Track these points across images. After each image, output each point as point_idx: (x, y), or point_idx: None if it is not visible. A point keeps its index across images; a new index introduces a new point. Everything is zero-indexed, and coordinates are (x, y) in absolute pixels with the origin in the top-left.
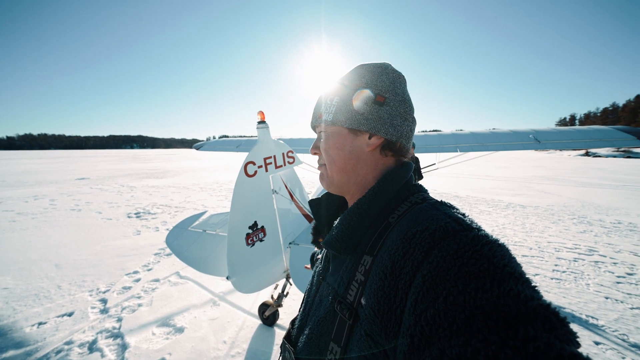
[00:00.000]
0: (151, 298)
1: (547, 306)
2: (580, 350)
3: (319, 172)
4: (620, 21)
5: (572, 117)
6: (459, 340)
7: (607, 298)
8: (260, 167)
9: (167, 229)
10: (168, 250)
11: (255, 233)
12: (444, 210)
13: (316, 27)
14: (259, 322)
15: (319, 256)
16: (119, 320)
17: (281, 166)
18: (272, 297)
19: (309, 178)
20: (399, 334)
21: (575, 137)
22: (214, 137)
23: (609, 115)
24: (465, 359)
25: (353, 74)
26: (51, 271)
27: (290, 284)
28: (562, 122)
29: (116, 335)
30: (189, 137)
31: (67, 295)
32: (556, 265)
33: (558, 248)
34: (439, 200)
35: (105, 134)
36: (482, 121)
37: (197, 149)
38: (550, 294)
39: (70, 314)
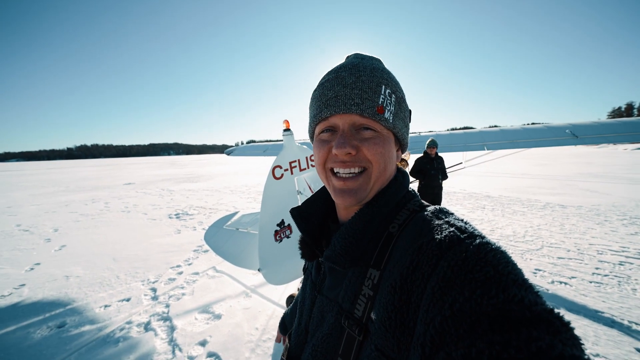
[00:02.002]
0: (193, 288)
1: (551, 311)
2: (585, 356)
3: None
4: None
5: (630, 106)
6: (464, 343)
7: None
8: (286, 170)
9: (204, 229)
10: (205, 247)
11: (283, 230)
12: (446, 219)
13: (337, 29)
14: None
15: (306, 266)
16: (167, 306)
17: (305, 169)
18: (297, 290)
19: None
20: (411, 346)
21: (619, 130)
22: (242, 143)
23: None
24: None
25: (383, 68)
26: (110, 263)
27: None
28: (617, 113)
29: (165, 318)
30: (219, 143)
31: (124, 284)
32: (597, 268)
33: (601, 251)
34: (438, 207)
35: (146, 142)
36: (519, 118)
37: (228, 155)
38: (588, 297)
39: (128, 300)
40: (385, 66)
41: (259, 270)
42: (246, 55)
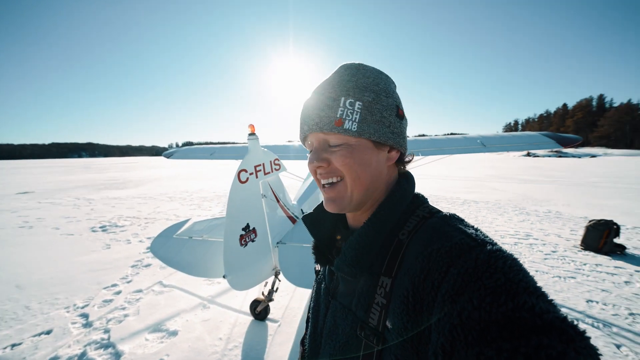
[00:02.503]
0: (137, 308)
1: (564, 319)
2: None
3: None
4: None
5: (516, 122)
6: (473, 351)
7: (536, 271)
8: (251, 174)
9: (141, 241)
10: (146, 261)
11: (248, 234)
12: (456, 225)
13: (283, 29)
14: (251, 318)
15: (318, 268)
16: (107, 331)
17: (269, 173)
18: (262, 294)
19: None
20: (429, 354)
21: (512, 142)
22: (177, 144)
23: (544, 121)
24: None
25: (364, 75)
26: (13, 293)
27: (279, 280)
28: (508, 127)
29: (106, 345)
30: (147, 144)
31: (40, 315)
32: None
33: (503, 235)
34: (448, 213)
35: (46, 141)
36: (440, 127)
37: (168, 157)
38: None
39: (48, 332)
40: (365, 70)
41: (224, 277)
42: (179, 54)
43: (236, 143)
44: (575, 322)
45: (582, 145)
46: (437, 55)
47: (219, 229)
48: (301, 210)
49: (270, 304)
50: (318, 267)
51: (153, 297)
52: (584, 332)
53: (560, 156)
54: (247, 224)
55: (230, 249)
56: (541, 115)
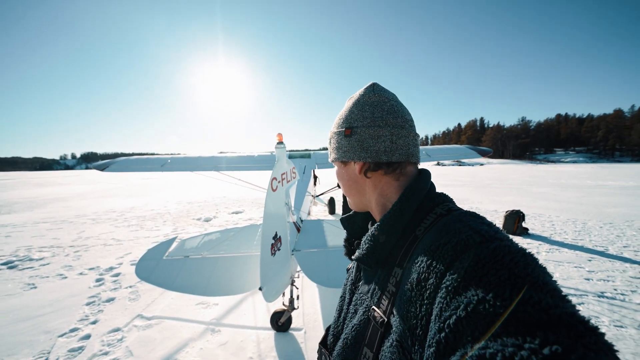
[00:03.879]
0: (126, 349)
1: (573, 314)
2: None
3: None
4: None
5: (426, 137)
6: (478, 344)
7: None
8: (279, 182)
9: (82, 274)
10: (106, 295)
11: (276, 243)
12: (468, 222)
13: (210, 31)
14: (272, 332)
15: (350, 266)
16: None
17: (290, 181)
18: (283, 304)
19: (233, 197)
20: (425, 342)
21: (449, 152)
22: (72, 155)
23: (446, 137)
24: None
25: (338, 117)
26: None
27: (297, 288)
28: (421, 142)
29: None
30: (27, 155)
31: None
32: None
33: None
34: (465, 210)
35: None
36: None
37: (101, 170)
38: None
39: None
40: (343, 109)
41: (260, 289)
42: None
43: (157, 154)
44: (587, 318)
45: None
46: (349, 68)
47: (220, 244)
48: (300, 218)
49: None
50: (350, 265)
51: (141, 334)
52: (596, 328)
53: (460, 165)
54: (276, 232)
55: (266, 259)
56: (444, 132)
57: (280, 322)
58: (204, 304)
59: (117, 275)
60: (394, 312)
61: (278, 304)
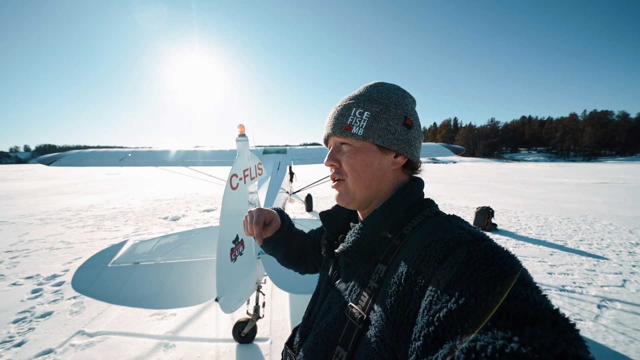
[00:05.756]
0: None
1: (556, 311)
2: (590, 355)
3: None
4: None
5: None
6: (468, 337)
7: None
8: (240, 179)
9: (15, 284)
10: (40, 310)
11: (237, 247)
12: (457, 223)
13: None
14: (235, 344)
15: (324, 265)
16: None
17: (254, 178)
18: (247, 313)
19: (206, 194)
20: (410, 336)
21: (428, 150)
22: (25, 148)
23: (425, 133)
24: (474, 354)
25: (378, 90)
26: None
27: (264, 294)
28: None
29: None
30: None
31: None
32: None
33: None
34: (451, 214)
35: None
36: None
37: (47, 164)
38: None
39: None
40: (381, 86)
41: (216, 300)
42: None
43: (120, 148)
44: (567, 315)
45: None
46: (325, 61)
47: (177, 248)
48: None
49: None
50: (327, 262)
51: (78, 354)
52: (574, 324)
53: (435, 162)
54: (237, 235)
55: (223, 266)
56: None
57: (244, 332)
58: (159, 315)
59: (59, 284)
60: (375, 308)
61: (243, 313)
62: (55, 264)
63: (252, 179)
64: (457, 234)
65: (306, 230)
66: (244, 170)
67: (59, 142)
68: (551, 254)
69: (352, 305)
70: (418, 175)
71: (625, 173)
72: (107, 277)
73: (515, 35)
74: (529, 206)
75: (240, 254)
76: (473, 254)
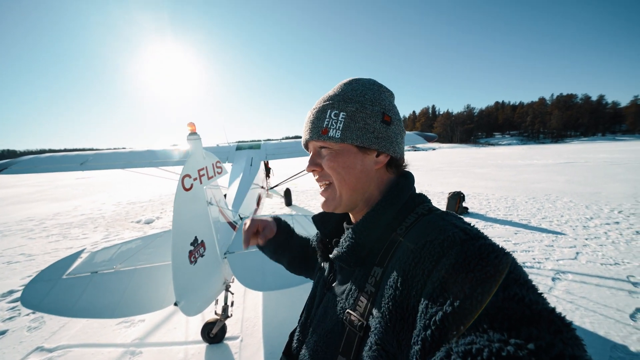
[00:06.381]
0: None
1: (552, 310)
2: (587, 355)
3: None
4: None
5: None
6: (464, 340)
7: None
8: (195, 179)
9: None
10: (1, 327)
11: (197, 249)
12: (451, 221)
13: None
14: (204, 345)
15: (321, 266)
16: None
17: (212, 177)
18: (215, 313)
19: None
20: (410, 340)
21: None
22: None
23: (405, 121)
24: (470, 356)
25: (352, 88)
26: None
27: (232, 293)
28: None
29: None
30: None
31: None
32: None
33: None
34: (445, 210)
35: None
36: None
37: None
38: None
39: None
40: (355, 83)
41: (175, 304)
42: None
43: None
44: (563, 314)
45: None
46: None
47: (138, 254)
48: (239, 215)
49: (226, 321)
50: (321, 265)
51: None
52: (570, 323)
53: (416, 150)
54: (195, 237)
55: (180, 270)
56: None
57: (212, 333)
58: (126, 323)
59: (16, 300)
60: (374, 314)
61: (212, 313)
62: (13, 278)
63: (209, 178)
64: (450, 234)
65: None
66: (199, 170)
67: (19, 147)
68: (515, 233)
69: (350, 312)
70: (407, 170)
71: (587, 152)
72: (60, 290)
73: (491, 18)
74: (500, 188)
75: (202, 256)
76: (467, 254)
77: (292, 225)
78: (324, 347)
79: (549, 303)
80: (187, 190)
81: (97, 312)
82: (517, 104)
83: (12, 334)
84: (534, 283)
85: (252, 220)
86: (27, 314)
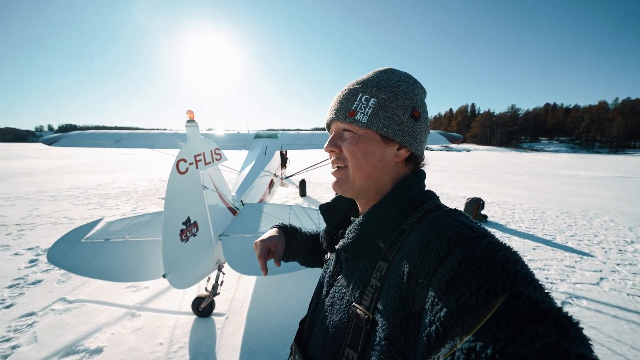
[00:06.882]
0: (32, 334)
1: (559, 309)
2: (593, 354)
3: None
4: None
5: None
6: (469, 337)
7: None
8: (191, 164)
9: (17, 254)
10: (33, 277)
11: (189, 228)
12: (458, 218)
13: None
14: (194, 317)
15: (328, 257)
16: None
17: (210, 163)
18: (205, 289)
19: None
20: (417, 336)
21: None
22: (50, 128)
23: (436, 121)
24: (474, 354)
25: (387, 77)
26: None
27: (224, 274)
28: None
29: None
30: None
31: None
32: None
33: None
34: (452, 208)
35: None
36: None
37: (49, 144)
38: None
39: None
40: (391, 73)
41: (164, 276)
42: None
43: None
44: (570, 313)
45: (462, 141)
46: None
47: (145, 227)
48: (241, 201)
49: (215, 298)
50: (327, 255)
51: (55, 318)
52: (577, 322)
53: (448, 150)
54: (188, 217)
55: (170, 246)
56: (435, 116)
57: (201, 307)
58: (134, 287)
59: None
60: (380, 308)
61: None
62: (54, 237)
63: (206, 163)
64: (458, 230)
65: (275, 216)
66: (195, 155)
67: (79, 122)
68: (534, 249)
69: (356, 305)
70: (422, 169)
71: None
72: (78, 252)
73: (544, 17)
74: (530, 198)
75: (194, 235)
76: (475, 251)
77: (289, 218)
78: (332, 338)
79: (555, 302)
80: (181, 173)
81: (104, 275)
82: (571, 107)
83: (46, 283)
84: (540, 282)
85: (262, 243)
86: (59, 269)
